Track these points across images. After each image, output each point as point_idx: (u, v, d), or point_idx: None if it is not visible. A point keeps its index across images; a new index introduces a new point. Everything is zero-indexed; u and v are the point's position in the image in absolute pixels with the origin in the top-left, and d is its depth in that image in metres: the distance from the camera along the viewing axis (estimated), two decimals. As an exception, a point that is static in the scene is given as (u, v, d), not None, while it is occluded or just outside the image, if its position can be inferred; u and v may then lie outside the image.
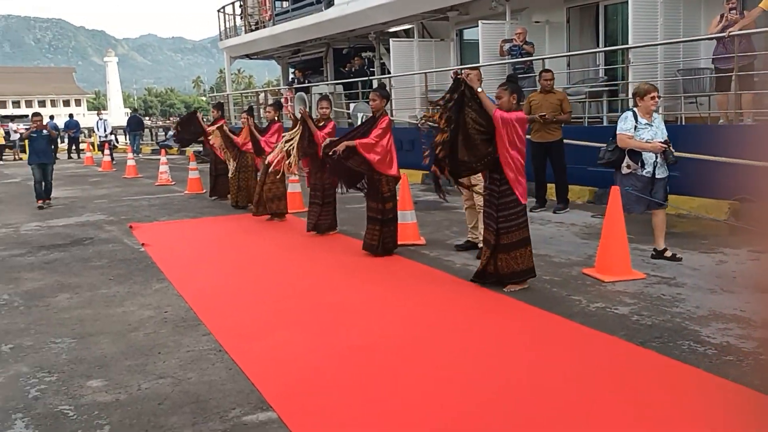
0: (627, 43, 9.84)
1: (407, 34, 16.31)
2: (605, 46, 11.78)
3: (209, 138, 10.89)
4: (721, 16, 8.44)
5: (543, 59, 10.94)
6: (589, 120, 10.72)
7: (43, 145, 11.20)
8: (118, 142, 28.32)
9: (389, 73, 15.46)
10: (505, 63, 11.70)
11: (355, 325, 4.63)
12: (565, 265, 6.06)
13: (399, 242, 6.78)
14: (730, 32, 8.06)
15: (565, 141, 8.76)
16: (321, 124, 7.61)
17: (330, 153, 6.55)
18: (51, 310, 5.19)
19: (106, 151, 20.67)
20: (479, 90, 5.16)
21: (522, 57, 11.41)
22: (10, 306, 5.33)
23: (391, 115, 13.79)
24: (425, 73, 13.77)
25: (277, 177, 8.55)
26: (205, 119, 12.07)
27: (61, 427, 3.20)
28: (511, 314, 4.78)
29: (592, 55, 11.88)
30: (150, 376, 3.79)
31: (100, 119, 24.46)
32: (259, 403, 3.39)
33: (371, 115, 6.81)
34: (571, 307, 4.82)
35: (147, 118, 55.76)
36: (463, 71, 5.28)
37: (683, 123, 9.10)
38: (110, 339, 4.45)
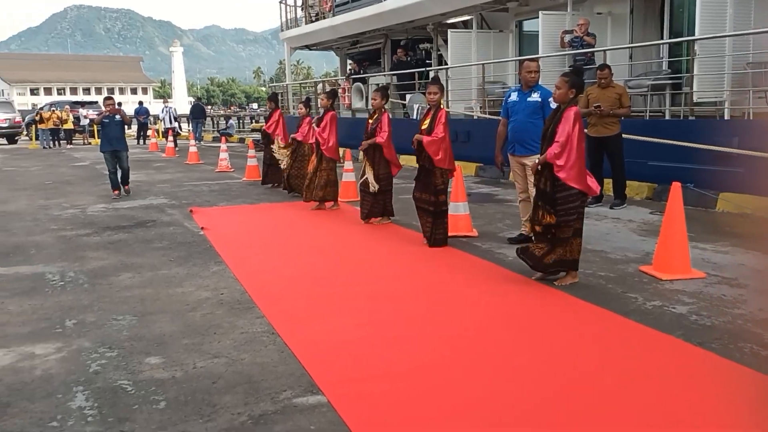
0: (693, 35, 9.51)
1: (465, 25, 16.16)
2: (670, 38, 11.42)
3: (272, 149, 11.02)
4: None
5: (604, 51, 10.68)
6: (651, 114, 10.43)
7: (116, 132, 10.66)
8: (181, 129, 29.08)
9: (446, 64, 15.38)
10: (565, 54, 11.48)
11: (406, 314, 4.66)
12: (621, 261, 5.93)
13: (451, 233, 6.77)
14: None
15: (623, 135, 8.55)
16: (375, 117, 7.66)
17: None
18: (114, 288, 5.40)
19: (170, 138, 21.31)
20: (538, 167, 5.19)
21: (583, 49, 11.17)
22: (75, 283, 5.58)
23: (447, 107, 13.74)
24: (483, 64, 13.64)
25: (331, 165, 8.66)
26: (261, 109, 12.25)
27: (120, 401, 3.34)
28: (565, 310, 4.71)
29: (656, 47, 11.53)
30: (205, 355, 3.91)
31: (166, 107, 25.20)
32: (310, 386, 3.46)
33: (426, 107, 6.82)
34: (626, 305, 4.73)
35: (209, 106, 57.10)
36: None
37: (751, 118, 8.75)
38: (169, 318, 4.61)
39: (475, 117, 13.57)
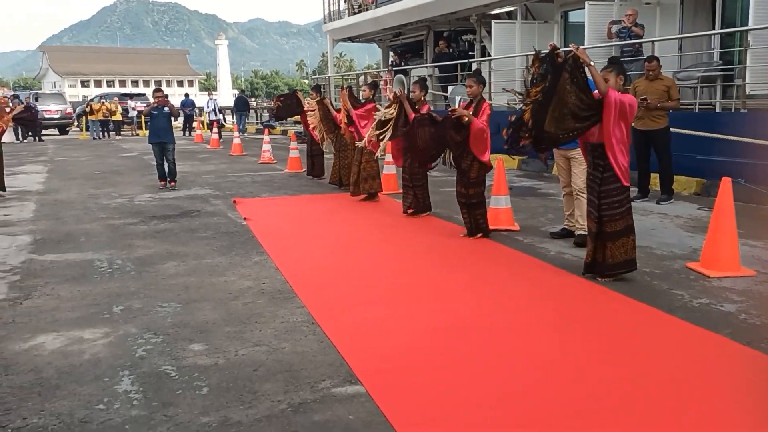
0: (746, 25, 9.20)
1: (509, 16, 15.97)
2: (721, 28, 11.07)
3: (308, 115, 11.11)
4: None
5: (653, 42, 10.43)
6: (701, 106, 10.14)
7: (163, 123, 10.73)
8: (225, 121, 29.49)
9: (489, 56, 15.23)
10: (612, 45, 11.25)
11: (445, 306, 4.65)
12: (668, 257, 5.80)
13: (492, 227, 6.72)
14: None
15: (671, 129, 8.34)
16: (416, 108, 7.65)
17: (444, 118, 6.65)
18: (159, 276, 5.53)
19: (215, 130, 21.64)
20: (591, 64, 4.90)
21: (631, 40, 10.91)
22: (122, 270, 5.73)
23: (489, 99, 13.61)
24: (527, 55, 13.44)
25: (372, 157, 8.68)
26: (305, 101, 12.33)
27: (164, 386, 3.42)
28: (608, 305, 4.64)
29: (707, 38, 11.19)
30: (247, 343, 3.98)
31: (211, 99, 25.52)
32: (348, 376, 3.49)
33: (468, 97, 6.77)
34: (672, 302, 4.62)
35: (252, 99, 57.76)
36: (570, 45, 5.09)
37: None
38: (212, 306, 4.70)
39: (518, 109, 13.40)
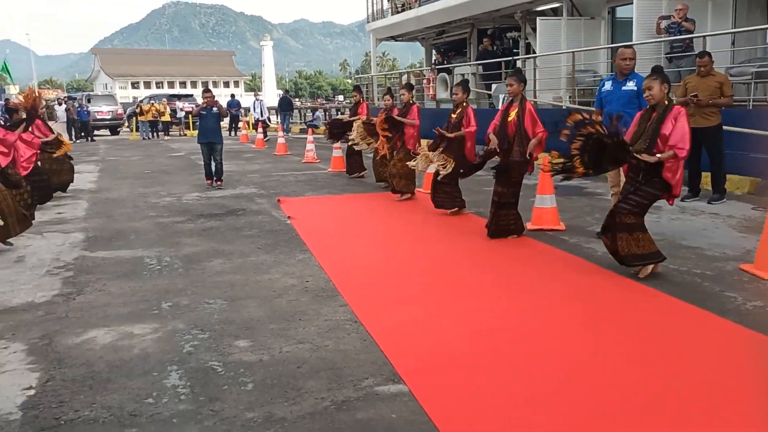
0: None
1: (555, 12, 15.75)
2: (778, 23, 10.70)
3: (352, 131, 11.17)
4: None
5: (704, 37, 10.13)
6: (754, 103, 9.81)
7: (212, 123, 10.86)
8: (270, 121, 29.83)
9: (534, 53, 15.04)
10: (661, 41, 10.98)
11: (487, 306, 4.61)
12: (719, 259, 5.63)
13: (537, 227, 6.64)
14: None
15: (723, 127, 8.09)
16: (458, 111, 7.61)
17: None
18: (206, 273, 5.63)
19: (260, 129, 21.89)
20: (622, 130, 5.07)
21: (681, 35, 10.63)
22: (171, 268, 5.85)
23: (534, 97, 13.45)
24: (573, 52, 13.24)
25: (408, 156, 8.67)
26: (347, 101, 12.42)
27: (210, 381, 3.48)
28: (657, 307, 4.53)
29: (761, 32, 10.80)
30: (291, 340, 4.02)
31: (257, 100, 25.70)
32: (391, 375, 3.49)
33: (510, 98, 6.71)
34: (724, 304, 4.49)
35: (297, 99, 58.31)
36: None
37: None
38: (257, 303, 4.76)
39: (563, 107, 13.20)
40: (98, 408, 3.20)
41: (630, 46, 7.15)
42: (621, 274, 5.21)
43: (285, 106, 26.34)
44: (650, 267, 5.11)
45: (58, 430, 3.00)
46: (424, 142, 8.30)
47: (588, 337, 3.99)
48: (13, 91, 28.77)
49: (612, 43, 13.90)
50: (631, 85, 6.15)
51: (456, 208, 7.83)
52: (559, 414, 3.04)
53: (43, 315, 4.61)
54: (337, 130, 11.91)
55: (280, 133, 19.29)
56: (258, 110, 25.05)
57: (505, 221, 6.52)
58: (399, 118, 9.14)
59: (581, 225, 7.13)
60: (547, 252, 6.09)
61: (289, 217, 7.99)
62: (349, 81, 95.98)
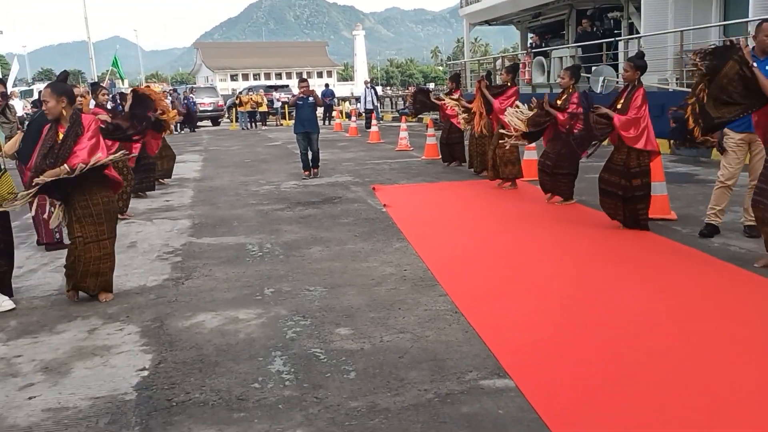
0: None
1: (662, -11, 14.88)
2: None
3: (446, 108, 11.07)
4: None
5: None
6: None
7: (308, 113, 10.78)
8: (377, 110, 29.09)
9: (638, 33, 14.30)
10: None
11: (594, 299, 4.40)
12: None
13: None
14: None
15: None
16: (564, 97, 7.33)
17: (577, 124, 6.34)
18: (306, 260, 5.70)
19: (374, 121, 21.27)
20: (753, 65, 4.62)
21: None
22: (272, 254, 5.97)
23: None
24: (681, 31, 12.47)
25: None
26: (442, 88, 12.35)
27: (314, 368, 3.50)
28: (783, 304, 4.17)
29: None
30: (391, 329, 3.98)
31: (367, 88, 25.02)
32: (496, 369, 3.38)
33: (612, 79, 6.36)
34: None
35: (388, 87, 58.44)
36: (740, 40, 4.77)
37: None
38: (356, 291, 4.76)
39: (670, 89, 12.49)
40: (207, 391, 3.28)
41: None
42: (743, 267, 4.84)
43: (373, 96, 26.24)
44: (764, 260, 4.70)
45: (171, 412, 3.10)
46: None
47: (711, 335, 3.72)
48: (123, 86, 30.31)
49: (724, 20, 12.99)
50: None
51: (567, 198, 7.57)
52: (675, 416, 2.84)
53: (154, 298, 4.81)
54: (421, 97, 11.92)
55: (374, 122, 19.33)
56: (369, 99, 24.29)
57: (644, 215, 6.12)
58: (485, 91, 8.99)
59: (694, 214, 6.70)
60: (659, 242, 5.75)
61: (384, 205, 7.98)
62: (441, 68, 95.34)
